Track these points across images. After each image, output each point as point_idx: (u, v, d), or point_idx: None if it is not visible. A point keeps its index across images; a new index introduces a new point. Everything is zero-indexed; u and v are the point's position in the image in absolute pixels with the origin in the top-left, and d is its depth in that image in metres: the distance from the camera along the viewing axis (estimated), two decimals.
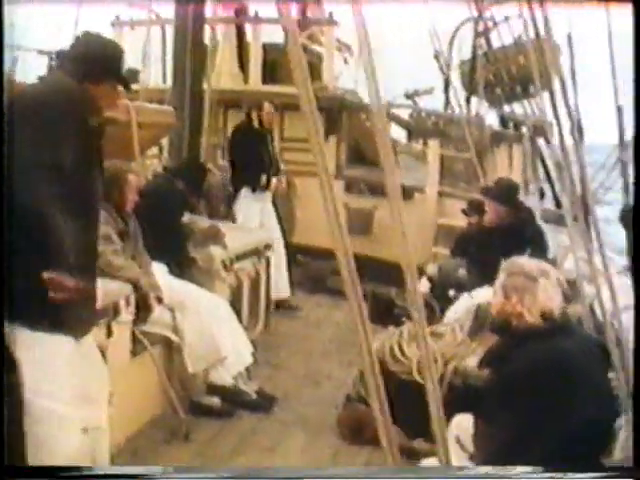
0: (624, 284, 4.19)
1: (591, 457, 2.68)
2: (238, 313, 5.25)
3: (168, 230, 5.00)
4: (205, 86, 7.34)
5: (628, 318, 3.24)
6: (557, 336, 2.93)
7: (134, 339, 4.18)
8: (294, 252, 7.72)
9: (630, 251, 4.47)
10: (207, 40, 7.69)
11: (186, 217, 5.47)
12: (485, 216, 5.72)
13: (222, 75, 8.66)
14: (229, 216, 6.85)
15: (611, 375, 2.83)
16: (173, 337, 4.47)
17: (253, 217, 6.92)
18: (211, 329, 4.55)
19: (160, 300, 4.31)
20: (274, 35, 9.15)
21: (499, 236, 5.33)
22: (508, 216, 5.43)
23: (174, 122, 5.81)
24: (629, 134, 4.20)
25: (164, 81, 8.78)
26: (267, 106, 7.08)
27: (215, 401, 4.61)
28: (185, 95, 6.55)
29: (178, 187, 5.43)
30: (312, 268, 8.05)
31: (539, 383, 2.80)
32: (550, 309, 2.96)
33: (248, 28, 9.53)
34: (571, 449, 2.69)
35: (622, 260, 4.75)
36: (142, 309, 4.17)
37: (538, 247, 5.27)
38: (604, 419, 2.78)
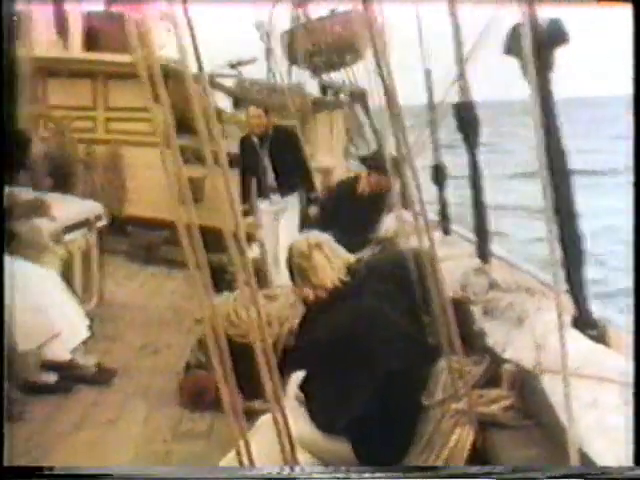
0: (437, 238, 4.53)
1: (410, 398, 2.92)
2: (71, 286, 5.15)
3: None
4: (20, 53, 7.00)
5: (445, 268, 3.53)
6: (349, 297, 3.14)
7: None
8: (125, 224, 7.61)
9: (441, 209, 4.83)
10: (20, 5, 7.31)
11: (6, 190, 5.24)
12: (358, 184, 5.92)
13: (39, 43, 8.26)
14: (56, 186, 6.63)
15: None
16: None
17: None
18: (42, 303, 4.44)
19: None
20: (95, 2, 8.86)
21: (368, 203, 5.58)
22: (385, 184, 5.61)
23: None
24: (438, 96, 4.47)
25: None
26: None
27: (51, 378, 4.52)
28: None
29: None
30: (144, 239, 7.97)
31: (343, 340, 3.01)
32: (331, 277, 3.17)
33: None
34: (390, 393, 2.92)
35: (434, 217, 5.09)
36: None
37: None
38: (415, 362, 3.02)
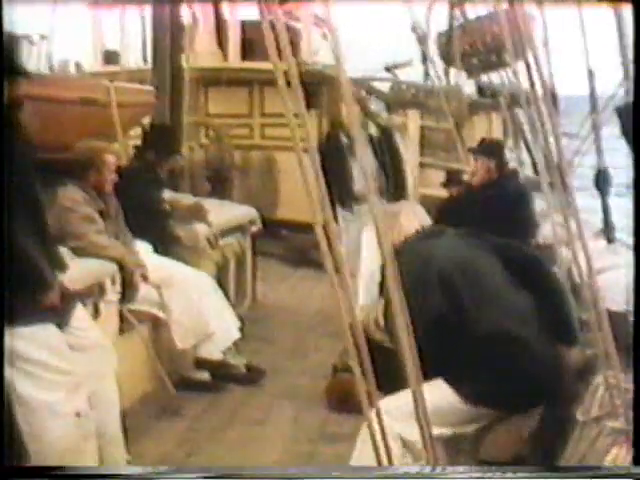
0: (598, 247, 4.29)
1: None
2: (225, 289, 5.31)
3: (149, 208, 5.01)
4: (184, 65, 7.32)
5: (603, 280, 3.33)
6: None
7: (121, 318, 4.24)
8: (277, 227, 7.78)
9: (605, 214, 4.57)
10: (185, 19, 7.66)
11: (168, 195, 5.49)
12: (474, 177, 5.65)
13: (201, 53, 8.64)
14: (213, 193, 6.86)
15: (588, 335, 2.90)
16: (160, 314, 4.52)
17: None
18: (198, 305, 4.59)
19: (146, 278, 4.36)
20: (252, 12, 9.12)
21: (485, 194, 5.32)
22: (496, 171, 5.31)
23: (154, 101, 5.81)
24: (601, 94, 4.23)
25: (144, 61, 8.74)
26: None
27: (204, 376, 4.69)
28: (165, 74, 6.55)
29: (149, 159, 5.31)
30: (296, 242, 8.11)
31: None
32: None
33: (225, 6, 9.51)
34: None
35: (597, 224, 4.82)
36: (128, 287, 4.21)
37: (519, 205, 5.25)
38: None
